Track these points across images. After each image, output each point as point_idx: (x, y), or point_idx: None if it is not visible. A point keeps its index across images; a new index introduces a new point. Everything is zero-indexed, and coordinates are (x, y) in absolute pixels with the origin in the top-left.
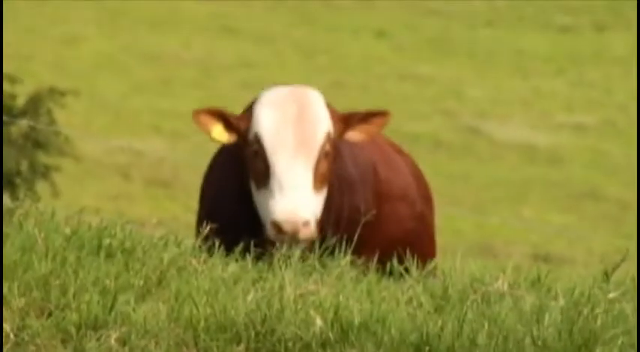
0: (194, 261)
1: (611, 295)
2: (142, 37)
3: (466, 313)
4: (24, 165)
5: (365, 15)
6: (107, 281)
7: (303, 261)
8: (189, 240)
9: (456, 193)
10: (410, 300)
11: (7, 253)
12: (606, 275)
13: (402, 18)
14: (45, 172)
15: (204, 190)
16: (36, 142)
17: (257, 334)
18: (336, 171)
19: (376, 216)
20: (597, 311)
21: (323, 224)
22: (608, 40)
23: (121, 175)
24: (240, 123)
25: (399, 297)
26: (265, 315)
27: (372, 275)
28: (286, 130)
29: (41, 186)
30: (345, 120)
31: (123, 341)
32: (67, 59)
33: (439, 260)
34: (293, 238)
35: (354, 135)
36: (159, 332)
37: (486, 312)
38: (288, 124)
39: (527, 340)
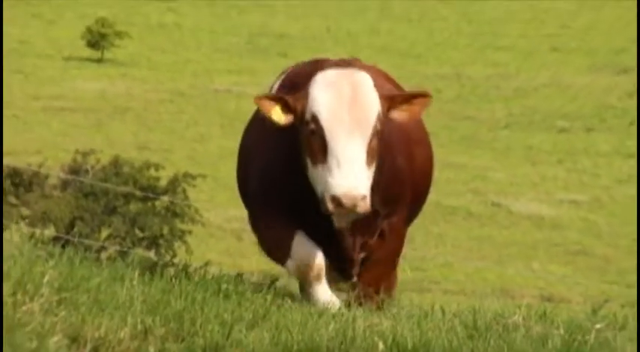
0: (289, 300)
1: (597, 326)
2: None
3: (490, 339)
4: (165, 230)
5: None
6: (225, 315)
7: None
8: (281, 282)
9: (482, 251)
10: (449, 330)
11: (151, 294)
12: (594, 312)
13: (442, 122)
14: (181, 235)
15: (243, 156)
16: (174, 213)
17: None
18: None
19: (410, 170)
20: (587, 338)
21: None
22: (594, 138)
23: (235, 237)
24: (297, 104)
25: (441, 327)
26: (342, 341)
27: (421, 312)
28: (342, 110)
29: (178, 246)
30: (389, 100)
31: None
32: (198, 152)
33: (469, 300)
34: (351, 212)
35: (398, 114)
36: None
37: (506, 339)
38: (343, 105)
39: None
